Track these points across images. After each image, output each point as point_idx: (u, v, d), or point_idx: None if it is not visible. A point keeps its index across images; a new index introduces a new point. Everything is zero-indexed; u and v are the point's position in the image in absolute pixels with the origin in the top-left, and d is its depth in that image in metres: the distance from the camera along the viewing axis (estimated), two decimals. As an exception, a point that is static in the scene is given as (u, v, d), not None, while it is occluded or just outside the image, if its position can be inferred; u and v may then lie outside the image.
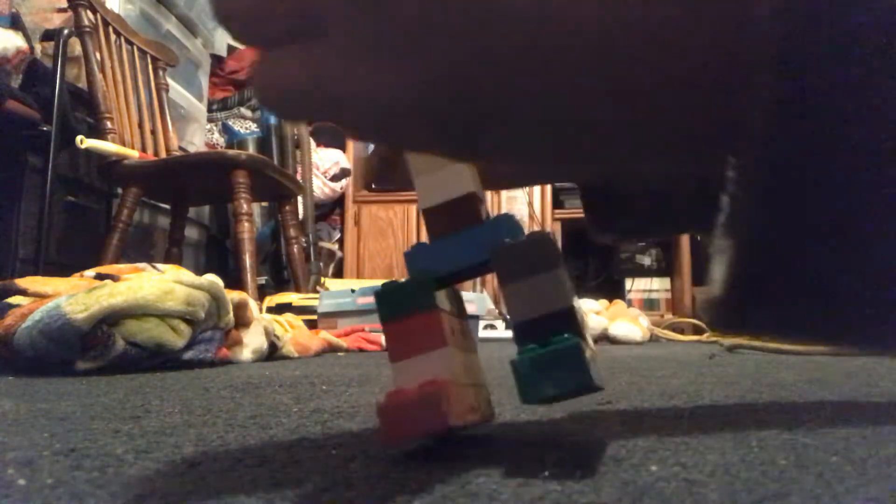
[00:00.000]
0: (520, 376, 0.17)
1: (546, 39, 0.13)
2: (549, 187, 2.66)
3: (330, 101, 0.16)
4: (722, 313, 0.13)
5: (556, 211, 2.68)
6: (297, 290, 1.71)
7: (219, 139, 2.34)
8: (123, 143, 1.45)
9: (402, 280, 0.22)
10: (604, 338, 1.55)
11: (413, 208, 2.68)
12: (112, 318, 0.62)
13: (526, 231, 0.22)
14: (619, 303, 1.77)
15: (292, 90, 0.16)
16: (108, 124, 1.43)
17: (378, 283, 1.66)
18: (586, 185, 0.25)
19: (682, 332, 2.04)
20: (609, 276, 2.77)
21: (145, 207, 1.76)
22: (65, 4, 1.47)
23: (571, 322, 0.19)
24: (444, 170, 0.23)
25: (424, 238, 0.23)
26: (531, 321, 0.20)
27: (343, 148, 2.71)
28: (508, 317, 0.21)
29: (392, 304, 0.22)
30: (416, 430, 0.19)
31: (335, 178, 2.53)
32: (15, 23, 1.34)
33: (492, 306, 1.85)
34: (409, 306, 0.21)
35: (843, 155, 0.11)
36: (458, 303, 0.24)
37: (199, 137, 2.10)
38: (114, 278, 0.72)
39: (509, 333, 1.43)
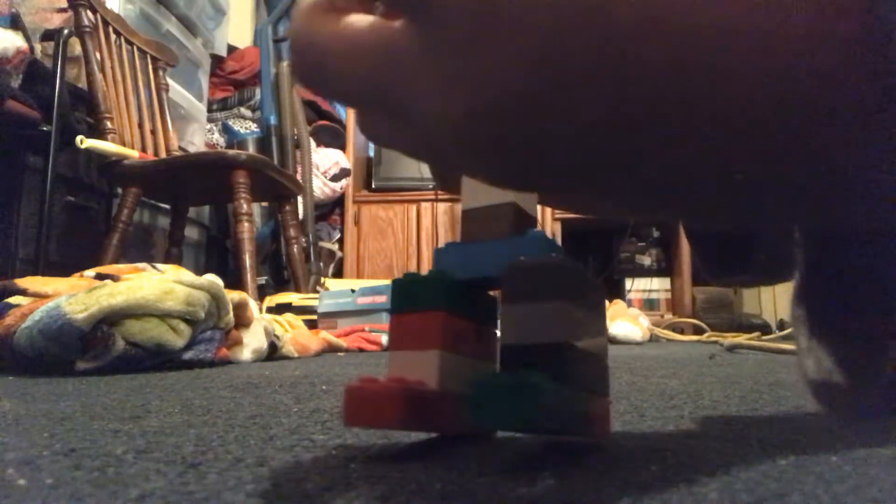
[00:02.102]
0: (468, 396, 0.17)
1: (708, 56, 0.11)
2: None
3: (388, 89, 0.13)
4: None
5: (557, 211, 2.68)
6: (297, 290, 1.71)
7: (219, 139, 2.34)
8: (123, 143, 1.46)
9: (421, 275, 0.22)
10: (604, 338, 1.54)
11: (413, 208, 2.68)
12: (112, 318, 0.62)
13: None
14: (619, 303, 1.77)
15: (347, 62, 0.14)
16: (108, 124, 1.43)
17: (378, 283, 1.67)
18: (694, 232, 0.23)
19: (682, 332, 2.05)
20: (609, 276, 2.77)
21: (145, 207, 1.76)
22: (65, 4, 1.47)
23: (554, 359, 0.19)
24: None
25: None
26: (516, 347, 0.19)
27: (343, 148, 2.71)
28: (499, 336, 0.20)
29: (402, 296, 0.22)
30: (370, 421, 0.19)
31: (335, 178, 2.53)
32: (15, 23, 1.34)
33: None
34: (417, 302, 0.21)
35: None
36: (484, 308, 0.24)
37: (199, 137, 2.10)
38: (114, 278, 0.72)
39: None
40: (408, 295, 0.22)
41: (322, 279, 2.15)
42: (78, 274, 0.77)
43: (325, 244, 2.62)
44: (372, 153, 2.94)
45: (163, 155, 1.60)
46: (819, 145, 0.11)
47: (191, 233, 1.94)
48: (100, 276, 0.74)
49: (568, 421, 0.18)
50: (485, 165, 0.14)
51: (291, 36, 0.15)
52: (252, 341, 0.81)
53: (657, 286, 2.79)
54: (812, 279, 0.14)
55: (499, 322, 0.21)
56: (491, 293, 0.24)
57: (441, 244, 0.25)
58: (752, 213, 0.14)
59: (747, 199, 0.13)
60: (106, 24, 1.49)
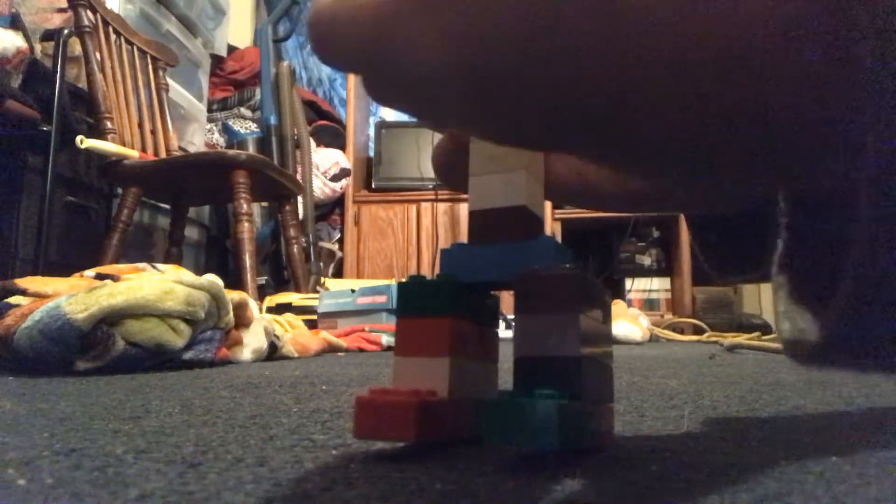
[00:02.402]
0: (482, 417, 0.17)
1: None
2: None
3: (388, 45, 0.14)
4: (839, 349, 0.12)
5: (556, 211, 2.68)
6: (297, 290, 1.71)
7: (219, 139, 2.34)
8: (123, 143, 1.46)
9: (428, 279, 0.22)
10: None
11: (413, 208, 2.68)
12: (112, 318, 0.62)
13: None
14: (619, 303, 1.77)
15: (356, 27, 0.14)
16: (108, 124, 1.43)
17: (378, 283, 1.67)
18: (698, 221, 0.23)
19: (682, 332, 2.05)
20: (609, 276, 2.78)
21: (145, 207, 1.76)
22: (65, 4, 1.47)
23: (569, 374, 0.18)
24: (500, 174, 0.21)
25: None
26: (531, 359, 0.19)
27: (343, 148, 2.71)
28: (513, 347, 0.20)
29: (409, 300, 0.21)
30: (383, 434, 0.19)
31: (335, 178, 2.53)
32: (15, 23, 1.34)
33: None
34: (424, 307, 0.21)
35: None
36: (486, 308, 0.23)
37: (199, 137, 2.10)
38: (114, 278, 0.72)
39: (509, 334, 1.43)
40: (416, 299, 0.21)
41: (322, 279, 2.15)
42: (78, 274, 0.77)
43: (325, 244, 2.62)
44: (372, 153, 2.94)
45: (163, 155, 1.60)
46: (809, 109, 0.12)
47: (191, 233, 1.94)
48: (100, 276, 0.74)
49: (582, 436, 0.18)
50: (485, 125, 0.15)
51: (312, 12, 0.16)
52: (252, 341, 0.81)
53: (657, 286, 2.79)
54: (792, 246, 0.15)
55: (512, 332, 0.20)
56: (493, 293, 0.24)
57: (441, 244, 0.25)
58: (744, 178, 0.14)
59: (739, 160, 0.13)
60: (106, 24, 1.49)
